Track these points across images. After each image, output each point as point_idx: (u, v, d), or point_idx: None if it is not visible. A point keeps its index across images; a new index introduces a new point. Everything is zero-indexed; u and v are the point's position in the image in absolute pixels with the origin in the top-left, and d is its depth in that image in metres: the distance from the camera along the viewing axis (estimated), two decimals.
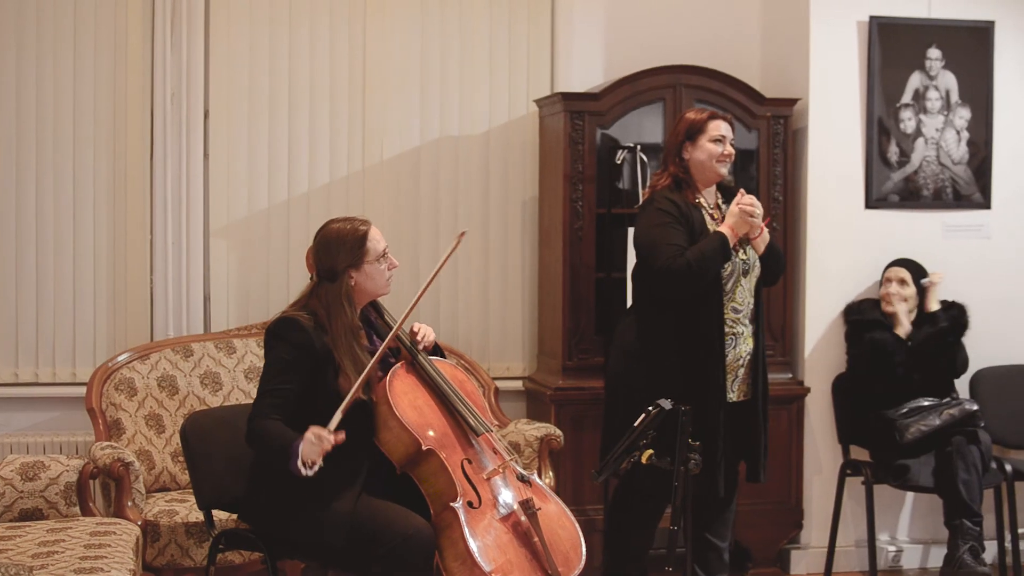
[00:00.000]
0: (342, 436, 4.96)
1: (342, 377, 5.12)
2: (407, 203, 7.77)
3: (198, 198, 7.53)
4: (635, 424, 5.12)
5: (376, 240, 5.35)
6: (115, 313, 7.49)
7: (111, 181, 7.45)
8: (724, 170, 6.15)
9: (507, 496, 5.27)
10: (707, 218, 6.10)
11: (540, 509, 5.24)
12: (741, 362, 6.13)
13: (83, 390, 6.96)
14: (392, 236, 7.40)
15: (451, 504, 5.09)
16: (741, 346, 6.11)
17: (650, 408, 5.10)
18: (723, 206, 6.20)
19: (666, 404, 5.06)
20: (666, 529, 5.28)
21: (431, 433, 5.20)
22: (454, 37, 7.86)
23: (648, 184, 6.43)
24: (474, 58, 7.89)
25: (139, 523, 6.12)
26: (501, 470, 5.31)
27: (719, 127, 6.12)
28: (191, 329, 7.48)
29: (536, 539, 5.18)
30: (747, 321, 6.14)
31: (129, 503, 6.25)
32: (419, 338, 5.49)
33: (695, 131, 6.11)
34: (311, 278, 5.38)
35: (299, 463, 4.93)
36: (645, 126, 7.53)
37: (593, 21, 7.95)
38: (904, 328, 7.25)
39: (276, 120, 7.64)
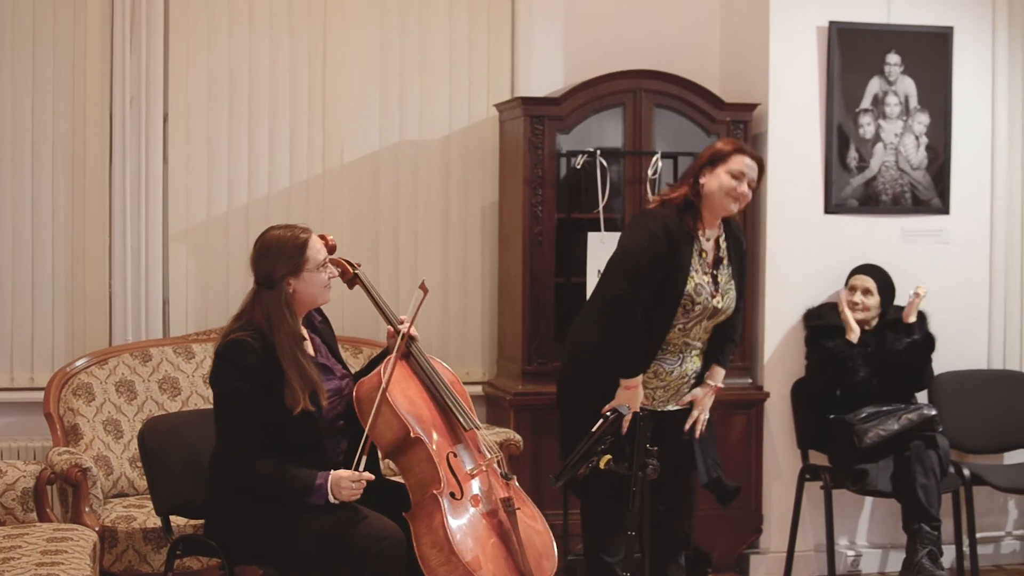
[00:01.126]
0: (371, 476, 5.10)
1: (287, 389, 5.09)
2: (367, 207, 7.76)
3: (157, 202, 7.50)
4: (592, 430, 5.12)
5: (316, 249, 5.29)
6: (73, 318, 7.45)
7: (70, 185, 7.41)
8: (733, 207, 5.99)
9: (488, 493, 5.30)
10: (696, 257, 5.97)
11: (520, 509, 5.28)
12: (686, 380, 6.10)
13: (41, 395, 6.92)
14: (352, 240, 7.42)
15: (434, 491, 5.13)
16: (688, 365, 6.08)
17: (608, 414, 5.11)
18: (722, 243, 6.10)
19: (623, 410, 5.07)
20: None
21: (420, 423, 5.24)
22: (414, 41, 7.85)
23: (659, 192, 6.37)
24: (434, 62, 7.89)
25: (96, 529, 6.10)
26: (484, 468, 5.35)
27: (742, 162, 5.95)
28: (150, 334, 7.45)
29: (513, 538, 5.21)
30: (699, 345, 6.11)
31: (87, 509, 6.23)
32: (414, 332, 5.51)
33: (717, 159, 5.98)
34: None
35: (330, 498, 5.04)
36: (605, 131, 7.54)
37: (553, 26, 7.95)
38: (854, 333, 7.26)
39: (236, 124, 7.62)
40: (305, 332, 5.35)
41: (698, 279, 5.92)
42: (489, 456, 5.45)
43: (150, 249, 7.48)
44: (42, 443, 7.10)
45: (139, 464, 6.55)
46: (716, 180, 5.94)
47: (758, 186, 6.05)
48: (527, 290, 7.33)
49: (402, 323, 5.45)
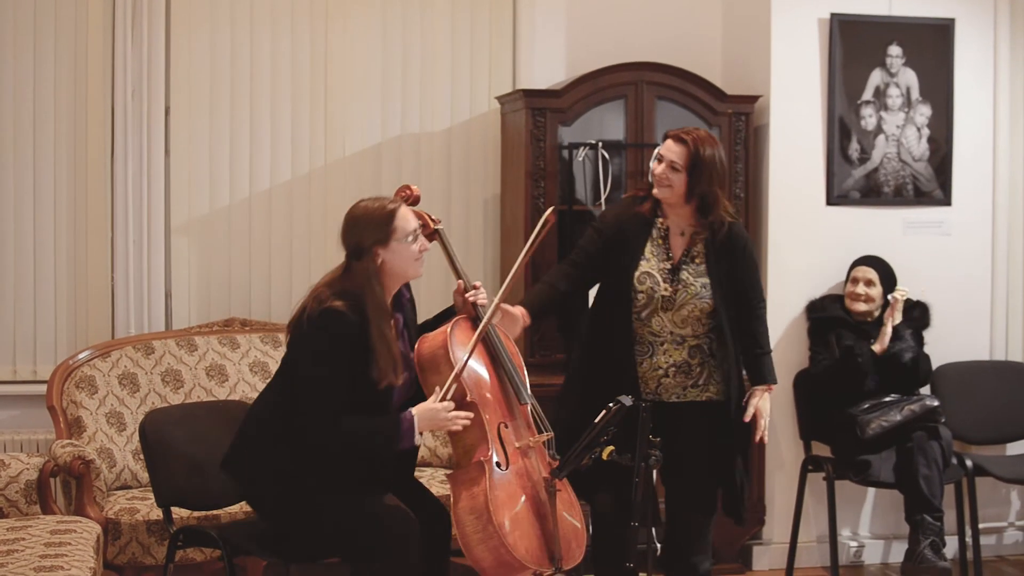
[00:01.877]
0: (466, 415, 5.19)
1: (374, 363, 5.10)
2: None
3: (159, 195, 7.51)
4: (595, 421, 5.12)
5: (405, 219, 5.26)
6: (76, 310, 7.46)
7: (72, 178, 7.42)
8: (658, 190, 5.89)
9: (533, 470, 5.33)
10: (651, 244, 5.94)
11: (561, 491, 5.28)
12: (662, 371, 6.04)
13: (44, 388, 6.93)
14: None
15: (480, 458, 5.18)
16: (660, 357, 6.04)
17: (611, 404, 5.10)
18: (701, 239, 5.99)
19: (626, 400, 5.06)
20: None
21: (478, 388, 5.29)
22: (416, 33, 7.85)
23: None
24: (436, 54, 7.89)
25: (100, 521, 6.11)
26: (533, 444, 5.39)
27: (664, 145, 5.91)
28: (152, 326, 7.46)
29: (549, 519, 5.23)
30: (672, 338, 6.07)
31: (90, 501, 6.23)
32: (480, 301, 5.54)
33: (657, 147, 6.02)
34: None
35: (417, 438, 5.13)
36: (607, 123, 7.53)
37: (555, 18, 7.95)
38: (882, 345, 7.24)
39: (238, 116, 7.63)
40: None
41: (647, 267, 5.91)
42: (539, 434, 5.46)
43: (152, 242, 7.48)
44: (45, 436, 7.12)
45: (142, 456, 6.55)
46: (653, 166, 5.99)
47: (701, 156, 5.85)
48: (529, 282, 7.32)
49: (476, 288, 5.52)
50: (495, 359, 5.46)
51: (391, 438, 5.10)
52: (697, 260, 5.96)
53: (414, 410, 5.12)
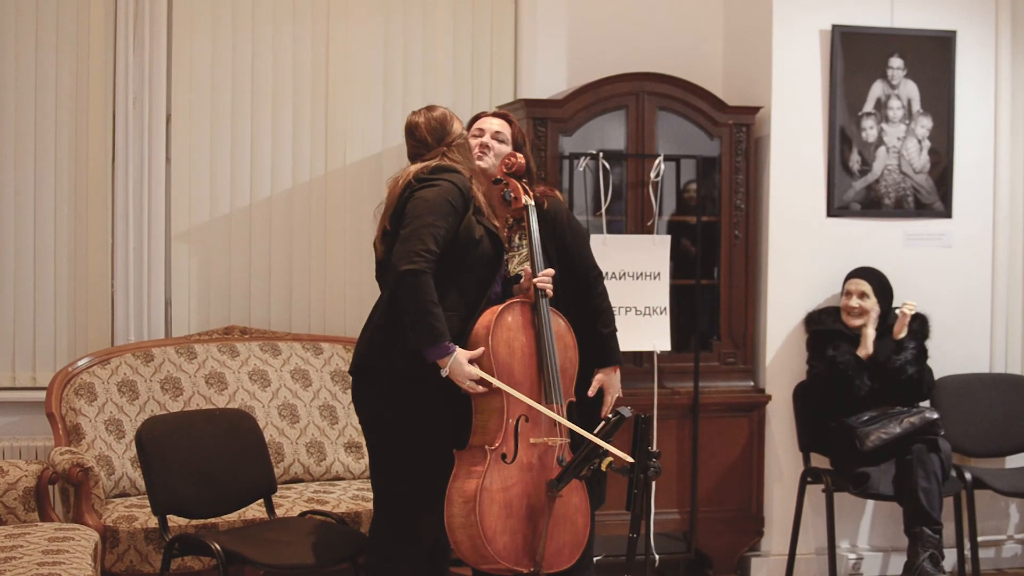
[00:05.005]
0: (481, 389, 5.24)
1: (477, 224, 5.37)
2: (369, 209, 7.67)
3: (160, 202, 7.51)
4: (594, 432, 5.12)
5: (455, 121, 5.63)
6: (76, 317, 7.45)
7: (72, 185, 7.42)
8: (479, 161, 5.81)
9: (539, 469, 5.33)
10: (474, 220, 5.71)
11: (561, 496, 5.28)
12: None
13: (43, 395, 6.92)
14: (354, 242, 7.42)
15: (487, 446, 5.21)
16: None
17: (609, 416, 5.11)
18: (518, 240, 5.92)
19: (625, 412, 5.06)
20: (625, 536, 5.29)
21: (509, 376, 5.31)
22: (417, 43, 7.86)
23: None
24: (437, 63, 7.89)
25: (98, 529, 6.10)
26: (549, 443, 5.37)
27: (483, 120, 5.95)
28: (152, 334, 7.46)
29: (542, 522, 5.24)
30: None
31: (88, 508, 6.23)
32: (543, 286, 5.54)
33: (470, 126, 6.00)
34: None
35: (444, 371, 5.21)
36: (608, 133, 7.53)
37: (556, 28, 7.96)
38: (866, 350, 7.25)
39: (239, 124, 7.63)
40: None
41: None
42: (560, 438, 5.43)
43: (152, 249, 7.48)
44: (44, 443, 7.11)
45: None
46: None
47: (519, 140, 5.90)
48: None
49: (547, 274, 5.52)
50: (540, 351, 5.45)
51: (428, 333, 5.16)
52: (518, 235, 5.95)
53: (458, 349, 5.20)
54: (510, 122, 5.92)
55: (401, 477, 5.33)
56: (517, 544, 5.22)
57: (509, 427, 5.26)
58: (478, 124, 5.92)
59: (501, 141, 5.83)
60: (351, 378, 5.54)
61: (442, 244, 5.22)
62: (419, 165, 5.44)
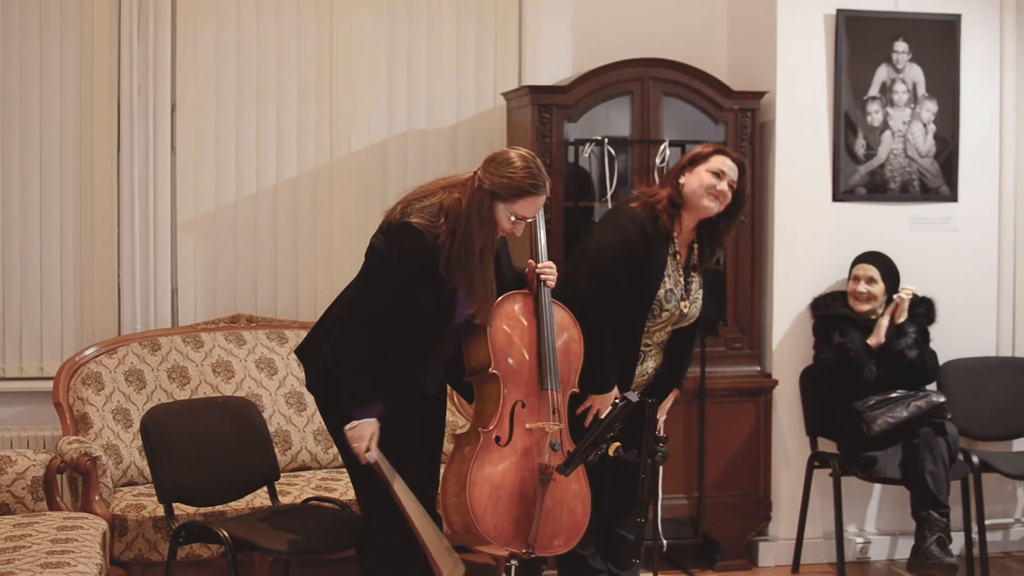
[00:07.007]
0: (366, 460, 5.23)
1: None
2: (375, 197, 7.73)
3: (165, 192, 7.51)
4: (602, 418, 5.13)
5: (531, 207, 5.31)
6: (82, 307, 7.46)
7: (78, 175, 7.42)
8: (712, 205, 5.78)
9: (534, 454, 5.35)
10: (670, 260, 5.84)
11: (554, 480, 5.30)
12: (647, 378, 5.99)
13: (50, 384, 6.93)
14: (359, 230, 7.41)
15: (482, 429, 5.27)
16: (648, 363, 6.01)
17: (617, 401, 5.11)
18: (695, 250, 5.97)
19: (633, 397, 5.06)
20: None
21: (508, 362, 5.35)
22: (421, 30, 7.85)
23: (640, 190, 6.11)
24: (442, 51, 7.88)
25: (106, 518, 6.11)
26: (542, 429, 5.38)
27: (722, 162, 5.82)
28: (158, 323, 7.47)
29: (536, 506, 5.25)
30: (660, 346, 6.04)
31: (96, 497, 6.25)
32: (544, 277, 5.53)
33: (697, 160, 5.86)
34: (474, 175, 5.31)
35: (351, 427, 5.21)
36: (613, 119, 7.52)
37: (560, 14, 7.95)
38: (878, 339, 7.25)
39: (243, 113, 7.63)
40: None
41: (670, 284, 5.85)
42: (555, 423, 5.43)
43: (159, 238, 7.49)
44: (52, 432, 7.12)
45: None
46: (696, 179, 5.79)
47: (744, 189, 5.91)
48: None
49: (549, 266, 5.53)
50: (539, 339, 5.46)
51: (360, 395, 5.19)
52: (693, 274, 5.95)
53: (373, 422, 5.21)
54: (743, 167, 5.92)
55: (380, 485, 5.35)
56: (508, 525, 5.24)
57: (505, 412, 5.30)
58: (720, 165, 5.83)
59: (730, 188, 5.85)
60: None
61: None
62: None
